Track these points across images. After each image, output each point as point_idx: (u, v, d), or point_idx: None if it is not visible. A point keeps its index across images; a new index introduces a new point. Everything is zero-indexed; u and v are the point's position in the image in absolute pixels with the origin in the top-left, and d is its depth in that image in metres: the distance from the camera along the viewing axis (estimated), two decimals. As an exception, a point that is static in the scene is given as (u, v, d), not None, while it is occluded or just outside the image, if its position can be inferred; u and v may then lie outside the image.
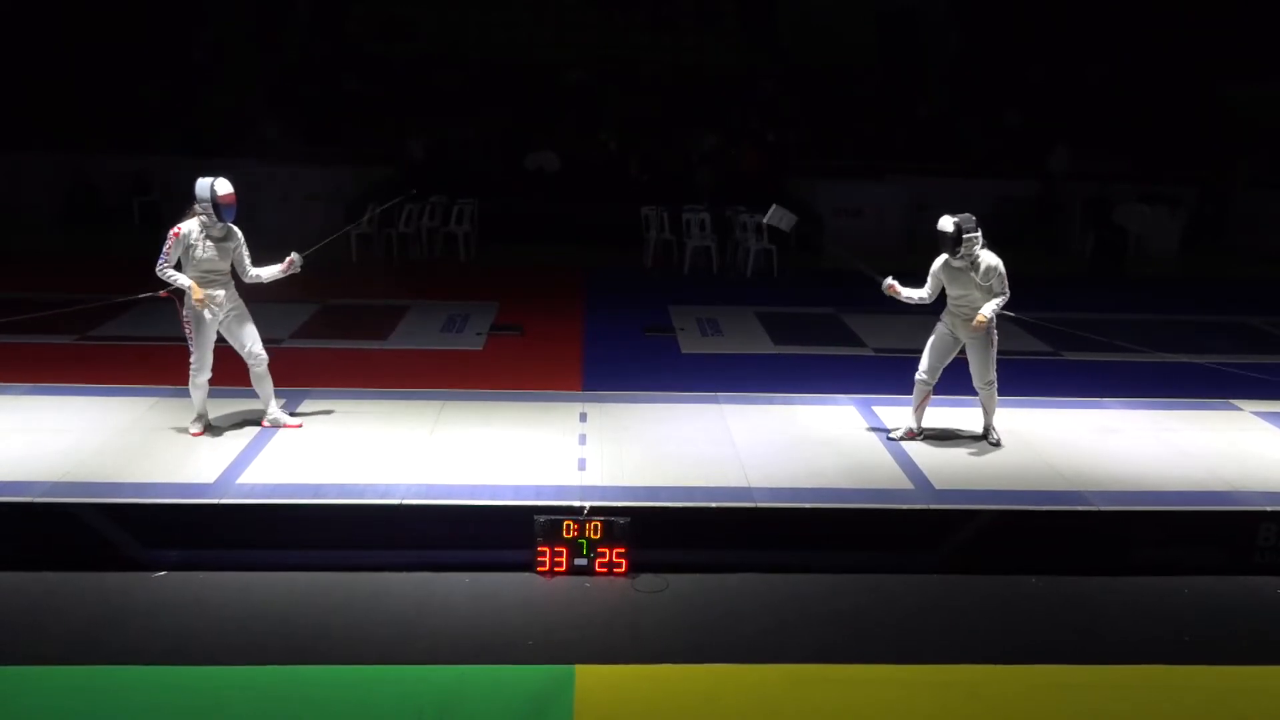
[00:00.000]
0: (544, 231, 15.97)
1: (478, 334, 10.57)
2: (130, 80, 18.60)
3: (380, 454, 6.48)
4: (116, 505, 5.70)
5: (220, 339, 6.71)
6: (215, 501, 5.78)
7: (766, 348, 10.53)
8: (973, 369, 6.85)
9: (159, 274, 6.45)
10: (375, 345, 10.03)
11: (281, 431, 6.80)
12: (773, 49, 21.25)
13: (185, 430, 6.71)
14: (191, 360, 6.59)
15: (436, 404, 7.48)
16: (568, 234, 15.89)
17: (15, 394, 7.41)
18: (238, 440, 6.61)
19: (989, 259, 6.65)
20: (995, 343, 6.81)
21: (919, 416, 7.03)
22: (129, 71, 18.67)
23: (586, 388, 8.73)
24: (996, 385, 6.87)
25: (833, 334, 11.08)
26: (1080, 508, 6.08)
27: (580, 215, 16.05)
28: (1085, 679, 4.95)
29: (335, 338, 10.06)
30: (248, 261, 6.70)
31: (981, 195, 17.48)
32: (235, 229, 6.59)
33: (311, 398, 7.49)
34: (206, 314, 6.47)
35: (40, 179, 16.80)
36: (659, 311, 11.83)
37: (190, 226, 6.46)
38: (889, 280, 6.89)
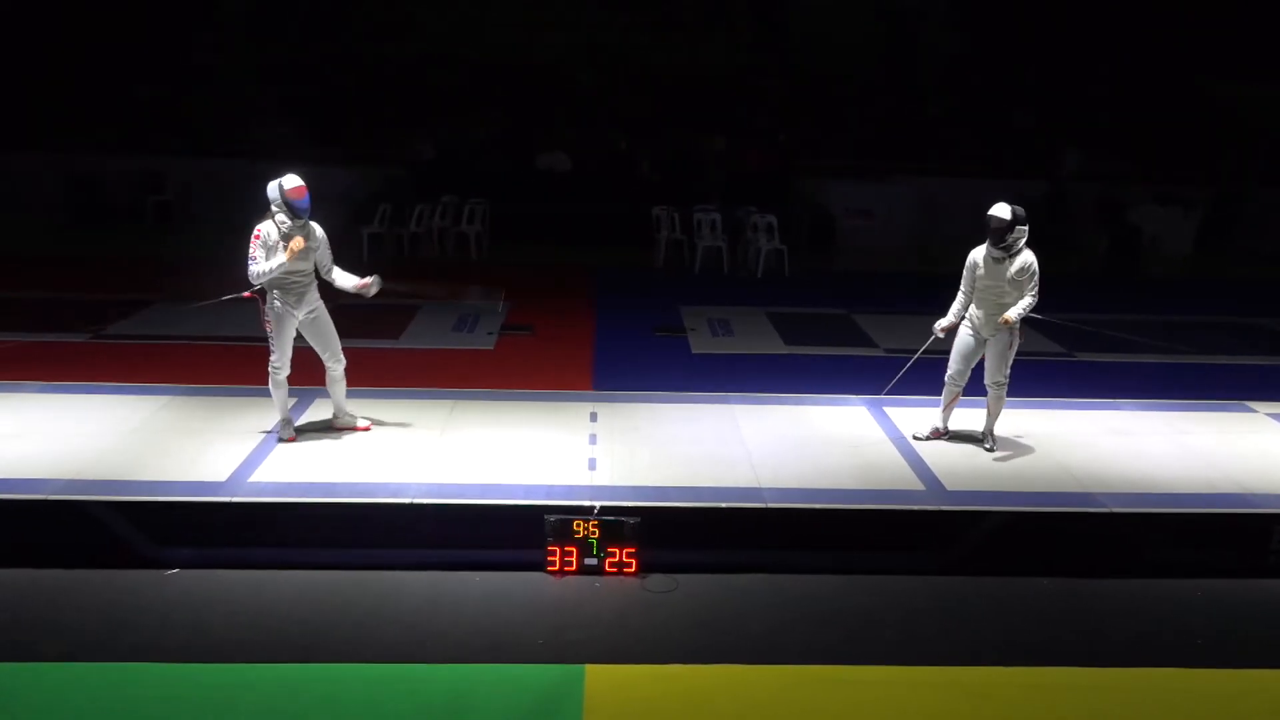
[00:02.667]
0: (555, 231, 15.99)
1: (489, 334, 10.58)
2: (131, 80, 18.70)
3: (391, 453, 6.50)
4: (129, 503, 5.72)
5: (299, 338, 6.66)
6: (227, 500, 5.80)
7: (778, 348, 10.51)
8: (987, 365, 6.77)
9: (256, 278, 6.29)
10: (387, 345, 10.05)
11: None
12: (783, 49, 21.25)
13: (195, 430, 6.72)
14: (272, 359, 6.52)
15: (447, 403, 7.50)
16: (578, 234, 15.90)
17: (29, 392, 7.46)
18: (250, 439, 6.63)
19: (1027, 255, 6.51)
20: (1016, 345, 6.72)
21: (946, 416, 6.98)
22: (130, 72, 18.77)
23: (597, 387, 8.73)
24: (1006, 388, 6.81)
25: (844, 334, 11.06)
26: (1092, 509, 6.06)
27: (591, 215, 16.07)
28: (1096, 681, 4.93)
29: (347, 337, 10.02)
30: (329, 259, 6.62)
31: (991, 196, 17.46)
32: (315, 227, 6.50)
33: (324, 396, 7.49)
34: (280, 309, 6.39)
35: (49, 179, 16.90)
36: (670, 311, 11.82)
37: (268, 228, 6.36)
38: (938, 324, 6.83)
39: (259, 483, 6.01)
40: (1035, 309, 6.63)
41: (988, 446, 6.89)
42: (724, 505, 5.94)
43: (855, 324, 11.45)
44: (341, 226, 15.13)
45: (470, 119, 18.42)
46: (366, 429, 6.89)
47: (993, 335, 6.69)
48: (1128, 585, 5.85)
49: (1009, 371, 6.77)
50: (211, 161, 16.84)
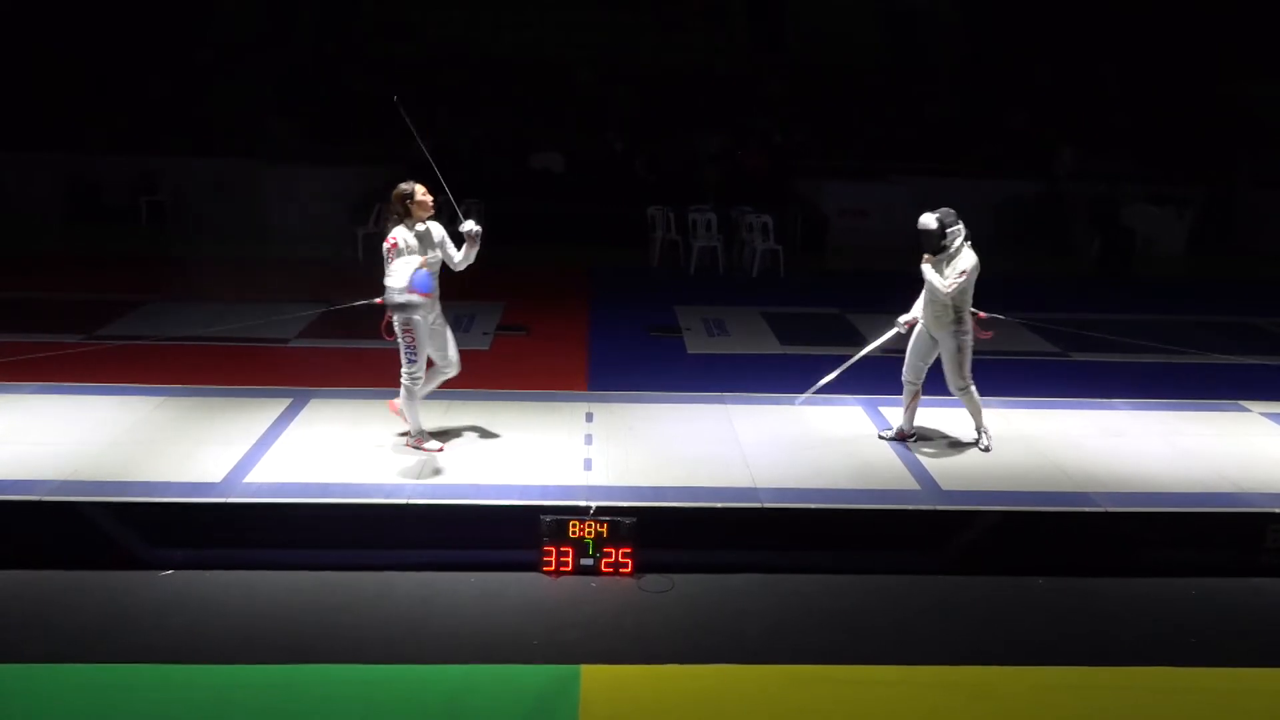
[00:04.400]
0: (550, 231, 15.99)
1: (484, 334, 10.58)
2: (137, 80, 18.67)
3: (386, 454, 6.49)
4: (123, 504, 5.71)
5: None
6: (222, 501, 5.79)
7: (773, 348, 10.52)
8: (945, 372, 6.73)
9: (401, 289, 6.01)
10: (381, 345, 10.01)
11: (288, 432, 6.79)
12: (780, 49, 21.26)
13: (190, 431, 6.70)
14: (410, 369, 6.34)
15: (442, 404, 7.48)
16: (573, 234, 15.89)
17: (23, 393, 7.44)
18: (244, 440, 6.61)
19: (965, 260, 6.43)
20: (966, 347, 6.63)
21: (909, 417, 6.95)
22: (136, 71, 18.74)
23: (592, 388, 8.73)
24: (973, 387, 6.72)
25: (839, 334, 11.05)
26: (1087, 509, 6.07)
27: (586, 215, 16.06)
28: (1091, 680, 4.94)
29: (341, 337, 10.07)
30: (452, 249, 6.43)
31: (988, 196, 17.50)
32: (436, 226, 6.37)
33: (318, 398, 7.50)
34: (418, 317, 6.24)
35: (49, 179, 16.86)
36: (665, 311, 11.82)
37: (401, 234, 6.14)
38: (901, 318, 6.83)
39: (253, 484, 6.00)
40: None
41: (983, 446, 6.88)
42: (720, 505, 5.94)
43: (850, 324, 11.46)
44: (340, 226, 15.21)
45: (467, 119, 18.42)
46: (439, 450, 6.62)
47: (937, 335, 6.66)
48: (1123, 584, 5.86)
49: (968, 374, 6.68)
50: (207, 161, 16.83)
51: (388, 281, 6.09)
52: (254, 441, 6.60)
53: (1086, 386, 8.94)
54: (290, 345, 9.87)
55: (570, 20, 21.09)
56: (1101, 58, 20.38)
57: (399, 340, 6.33)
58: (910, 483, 6.33)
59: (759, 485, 6.19)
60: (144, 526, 5.69)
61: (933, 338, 6.73)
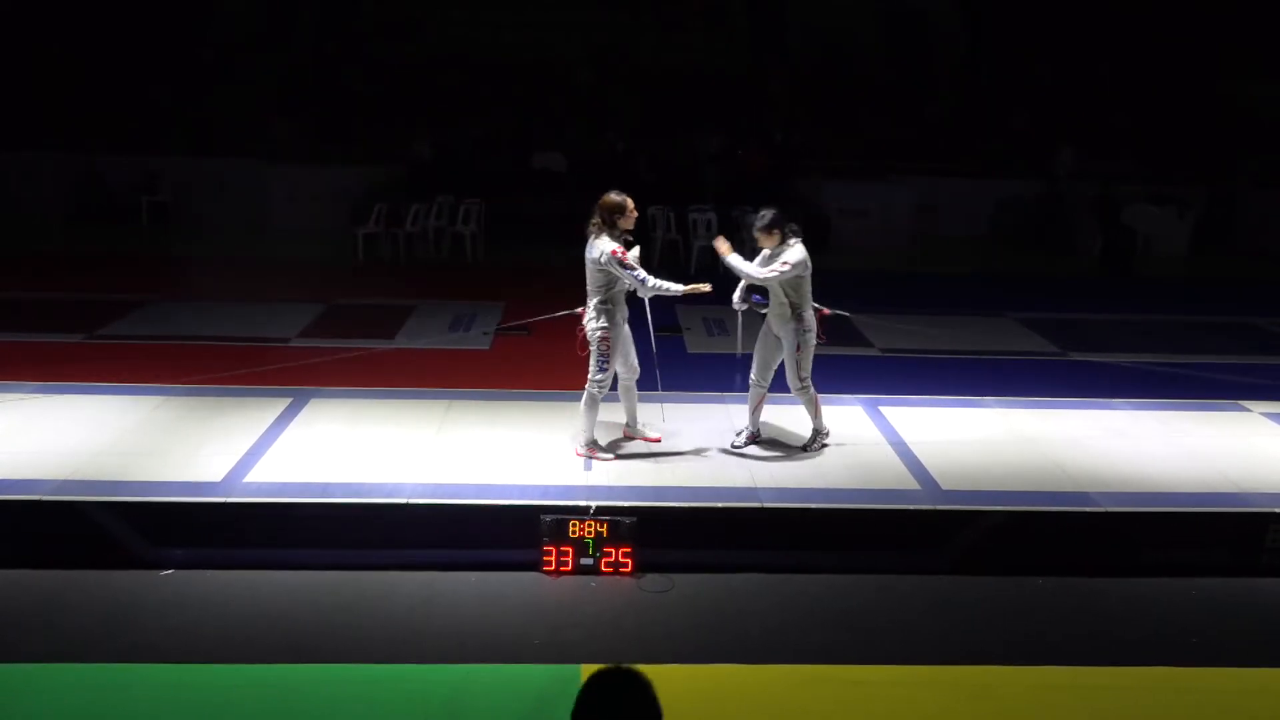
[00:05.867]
0: (550, 231, 15.96)
1: (484, 334, 10.58)
2: (139, 80, 18.67)
3: (387, 453, 6.49)
4: (124, 503, 5.71)
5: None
6: (222, 500, 5.79)
7: (773, 348, 10.50)
8: (786, 370, 6.65)
9: (654, 288, 6.30)
10: (382, 345, 10.04)
11: (288, 431, 6.80)
12: (780, 49, 21.26)
13: (190, 430, 6.70)
14: (600, 377, 6.40)
15: (443, 403, 7.49)
16: (574, 234, 15.87)
17: (24, 392, 7.44)
18: (245, 439, 6.62)
19: (792, 253, 6.42)
20: (806, 345, 6.54)
21: (755, 418, 6.86)
22: (138, 71, 18.74)
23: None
24: (810, 387, 6.64)
25: (839, 334, 11.02)
26: (1088, 509, 6.07)
27: (587, 215, 16.03)
28: (1092, 680, 4.94)
29: (342, 337, 10.07)
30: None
31: (988, 196, 17.51)
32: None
33: (318, 397, 7.50)
34: (619, 324, 6.37)
35: (51, 178, 16.86)
36: (665, 311, 11.81)
37: (615, 243, 6.39)
38: (724, 241, 6.72)
39: (254, 483, 6.00)
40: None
41: (814, 447, 6.75)
42: (720, 505, 5.94)
43: (850, 323, 11.44)
44: (341, 226, 15.21)
45: (468, 119, 18.42)
46: (657, 440, 6.81)
47: (777, 333, 6.62)
48: (1124, 584, 5.86)
49: (807, 373, 6.60)
50: (208, 161, 16.84)
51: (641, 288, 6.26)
52: (254, 441, 6.60)
53: (1086, 386, 8.93)
54: (291, 344, 9.87)
55: (570, 20, 21.07)
56: (1101, 58, 20.36)
57: (593, 349, 6.39)
58: (910, 483, 6.33)
59: (759, 485, 6.19)
60: (144, 526, 5.69)
61: (776, 335, 6.66)
